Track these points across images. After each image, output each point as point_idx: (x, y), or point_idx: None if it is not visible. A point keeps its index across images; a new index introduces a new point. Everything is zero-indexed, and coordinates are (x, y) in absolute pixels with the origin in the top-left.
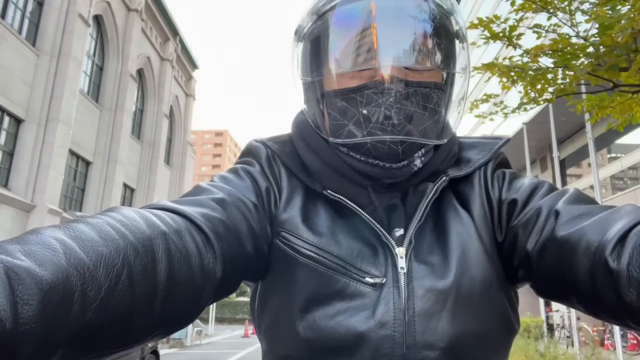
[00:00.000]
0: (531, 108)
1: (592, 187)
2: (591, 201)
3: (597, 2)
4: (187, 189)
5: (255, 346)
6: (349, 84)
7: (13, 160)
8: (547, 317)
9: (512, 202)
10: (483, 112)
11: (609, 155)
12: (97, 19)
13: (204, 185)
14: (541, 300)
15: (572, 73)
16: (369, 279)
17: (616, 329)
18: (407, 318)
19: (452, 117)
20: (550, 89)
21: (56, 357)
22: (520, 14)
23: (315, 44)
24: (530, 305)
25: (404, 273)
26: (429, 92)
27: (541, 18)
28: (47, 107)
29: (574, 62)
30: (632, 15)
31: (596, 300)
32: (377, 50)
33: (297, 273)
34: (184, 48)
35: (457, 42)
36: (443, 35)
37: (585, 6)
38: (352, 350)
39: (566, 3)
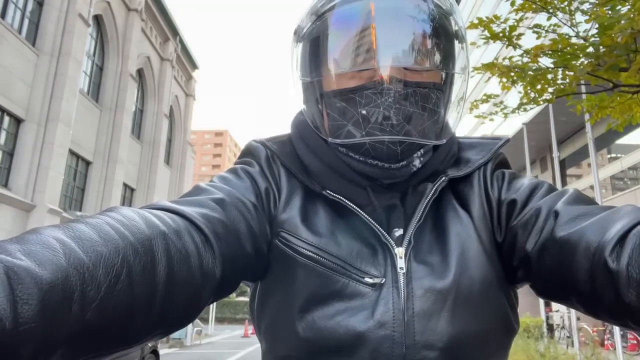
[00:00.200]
0: (531, 108)
1: (592, 187)
2: (590, 202)
3: (597, 2)
4: (187, 189)
5: (255, 346)
6: (348, 84)
7: (13, 160)
8: (547, 317)
9: (511, 202)
10: (483, 112)
11: (609, 156)
12: (97, 19)
13: (204, 185)
14: (541, 301)
15: (572, 73)
16: (368, 279)
17: (616, 329)
18: (407, 318)
19: (451, 118)
20: (550, 89)
21: (56, 357)
22: (520, 14)
23: (314, 44)
24: (530, 306)
25: (403, 273)
26: (428, 93)
27: (541, 18)
28: (47, 107)
29: (573, 62)
30: (631, 15)
31: (596, 300)
32: (376, 51)
33: (296, 273)
34: (184, 48)
35: (456, 42)
36: (442, 35)
37: (585, 6)
38: (352, 351)
39: (566, 3)
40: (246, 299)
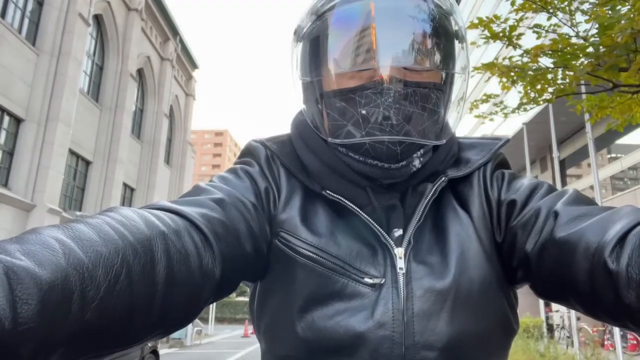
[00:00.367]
0: (531, 108)
1: (592, 187)
2: (590, 202)
3: (597, 2)
4: (187, 188)
5: (255, 346)
6: (348, 84)
7: (13, 160)
8: (547, 318)
9: (511, 202)
10: (483, 112)
11: (608, 156)
12: (97, 19)
13: (203, 185)
14: (541, 301)
15: (572, 73)
16: (367, 280)
17: (616, 329)
18: (406, 318)
19: (451, 118)
20: (550, 89)
21: (56, 357)
22: (520, 14)
23: (314, 44)
24: (530, 306)
25: (403, 273)
26: (428, 93)
27: (541, 18)
28: (47, 106)
29: (573, 62)
30: (631, 15)
31: (595, 301)
32: (376, 51)
33: (296, 273)
34: (184, 48)
35: (456, 42)
36: (442, 35)
37: (585, 6)
38: (351, 351)
39: (566, 3)
40: (246, 299)
